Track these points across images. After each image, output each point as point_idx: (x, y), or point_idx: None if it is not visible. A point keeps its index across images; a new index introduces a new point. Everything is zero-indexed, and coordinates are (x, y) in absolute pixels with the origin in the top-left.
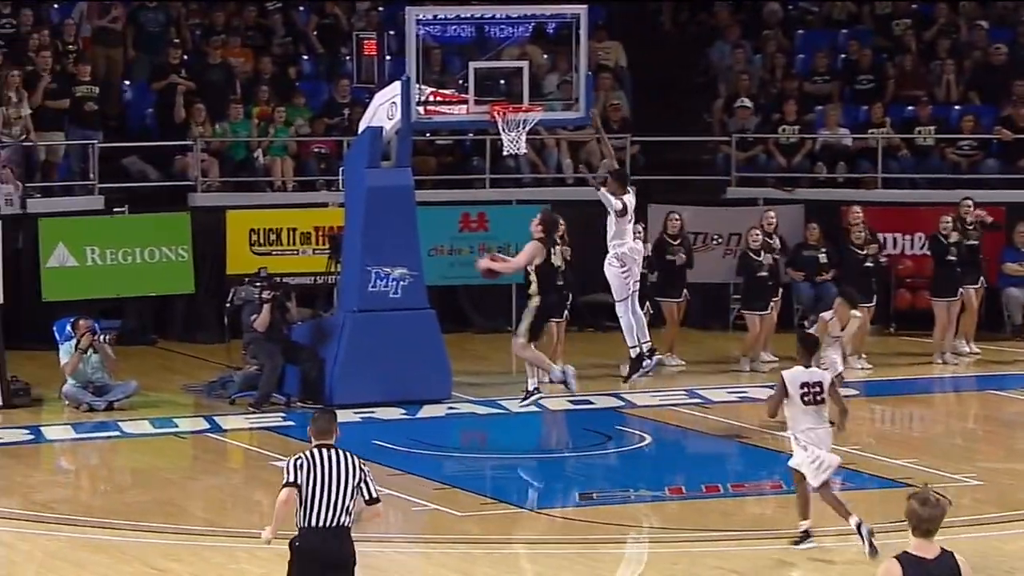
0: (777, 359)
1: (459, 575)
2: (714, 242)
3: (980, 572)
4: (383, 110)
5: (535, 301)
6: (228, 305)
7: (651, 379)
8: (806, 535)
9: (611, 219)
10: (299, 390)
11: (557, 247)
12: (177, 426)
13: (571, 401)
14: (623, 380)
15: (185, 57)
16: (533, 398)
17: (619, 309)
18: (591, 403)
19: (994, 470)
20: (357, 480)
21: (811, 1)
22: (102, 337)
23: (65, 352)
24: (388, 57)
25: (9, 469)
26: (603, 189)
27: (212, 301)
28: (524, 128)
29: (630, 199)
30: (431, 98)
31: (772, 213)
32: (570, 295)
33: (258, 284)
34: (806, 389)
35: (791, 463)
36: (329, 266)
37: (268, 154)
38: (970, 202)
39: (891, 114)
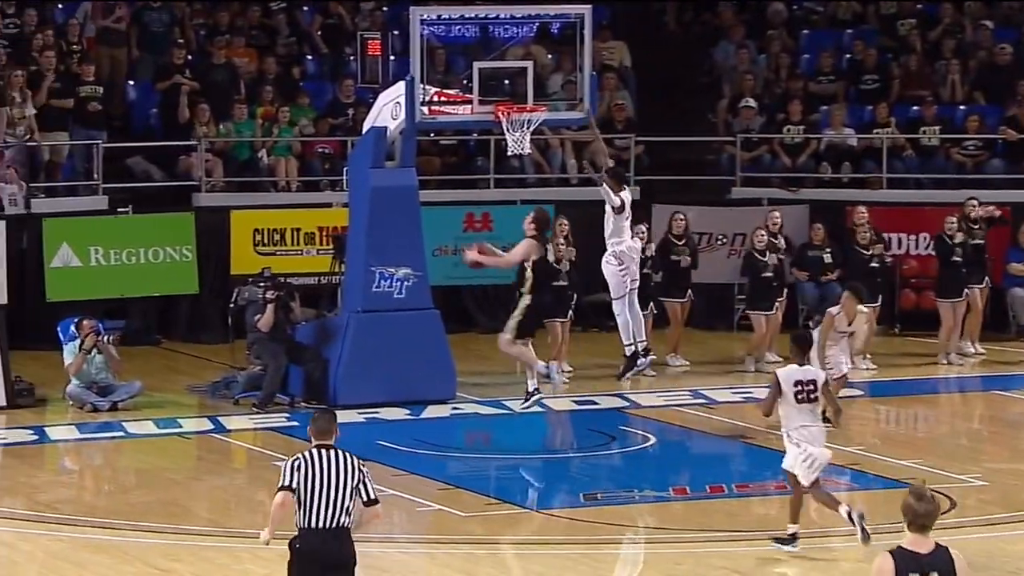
0: (782, 359)
1: (463, 575)
2: (718, 242)
3: (985, 572)
4: (387, 110)
5: (526, 299)
6: (232, 305)
7: (655, 379)
8: (793, 538)
9: (609, 217)
10: (303, 390)
11: (552, 245)
12: (181, 426)
13: (575, 401)
14: (616, 377)
15: (189, 57)
16: (534, 399)
17: (616, 307)
18: (595, 403)
19: (999, 471)
20: (356, 481)
21: (816, 1)
22: (106, 338)
23: (69, 352)
24: (392, 57)
25: (13, 469)
26: (605, 184)
27: (216, 301)
28: (528, 128)
29: (627, 196)
30: (435, 98)
31: (777, 213)
32: (574, 295)
33: (262, 284)
34: (800, 387)
35: (784, 464)
36: (333, 266)
37: (272, 154)
38: (975, 202)
39: (896, 114)
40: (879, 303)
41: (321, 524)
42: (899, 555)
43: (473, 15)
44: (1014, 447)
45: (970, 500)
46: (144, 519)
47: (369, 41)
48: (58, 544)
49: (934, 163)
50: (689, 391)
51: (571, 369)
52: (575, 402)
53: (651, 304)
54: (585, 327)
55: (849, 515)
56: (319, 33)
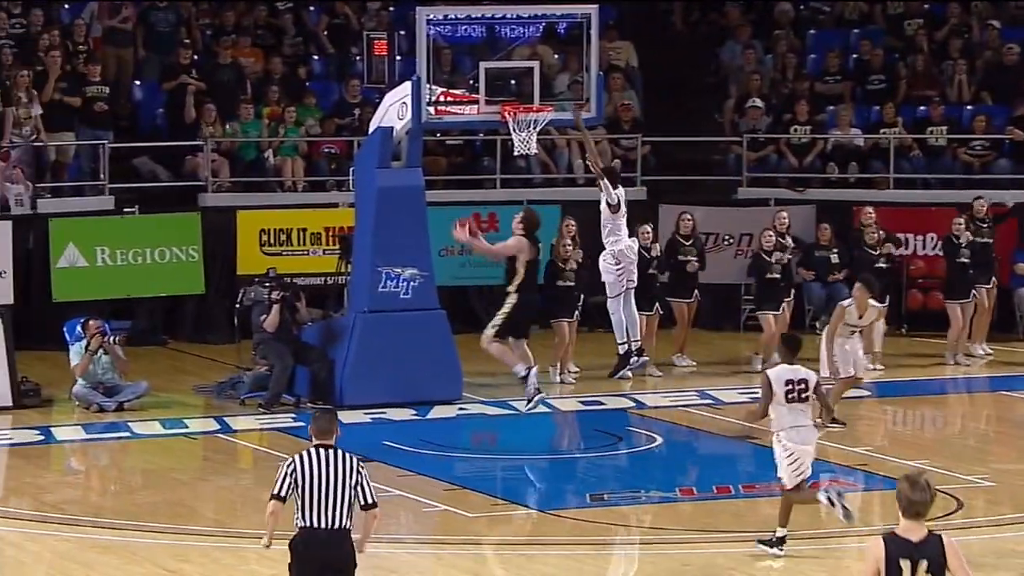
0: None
1: (469, 575)
2: (725, 243)
3: (993, 572)
4: (394, 110)
5: (513, 298)
6: (238, 306)
7: (662, 379)
8: (781, 541)
9: (605, 216)
10: (309, 391)
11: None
12: (187, 427)
13: (582, 402)
14: (608, 376)
15: (195, 57)
16: (537, 398)
17: (611, 305)
18: (602, 404)
19: (1007, 471)
20: (354, 481)
21: (823, 1)
22: (112, 338)
23: (75, 353)
24: (399, 57)
25: (19, 470)
26: (605, 180)
27: (222, 302)
28: (535, 128)
29: (622, 194)
30: (442, 98)
31: (784, 213)
32: (580, 296)
33: (267, 284)
34: (791, 386)
35: (779, 473)
36: (339, 267)
37: (278, 154)
38: (983, 201)
39: (903, 114)
40: (887, 303)
41: (320, 524)
42: (891, 540)
43: (479, 15)
44: (1021, 448)
45: (977, 501)
46: (150, 519)
47: (375, 41)
48: (65, 544)
49: (941, 163)
50: (696, 391)
51: (577, 370)
52: (581, 402)
53: (656, 304)
54: (591, 327)
55: (828, 499)
56: (325, 33)
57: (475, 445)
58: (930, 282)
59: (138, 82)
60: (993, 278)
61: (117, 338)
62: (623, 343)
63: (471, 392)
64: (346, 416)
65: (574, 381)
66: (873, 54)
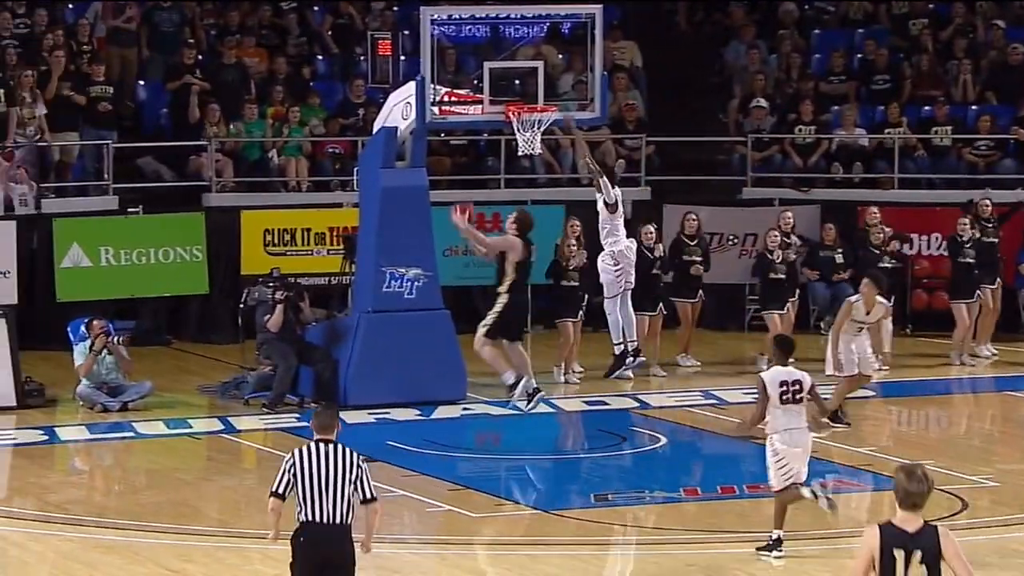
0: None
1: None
2: (730, 243)
3: (997, 572)
4: (398, 110)
5: (503, 299)
6: (242, 306)
7: (666, 379)
8: (778, 543)
9: (604, 216)
10: (313, 391)
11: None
12: (191, 427)
13: (586, 402)
14: (604, 376)
15: (199, 57)
16: (537, 397)
17: (607, 305)
18: (606, 404)
19: (1011, 471)
20: (354, 476)
21: (827, 1)
22: (116, 338)
23: (79, 353)
24: (403, 57)
25: (23, 470)
26: (604, 179)
27: (226, 302)
28: (539, 128)
29: (619, 195)
30: (446, 98)
31: (789, 213)
32: (585, 296)
33: (271, 285)
34: (785, 388)
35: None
36: (343, 266)
37: (282, 154)
38: (988, 200)
39: (908, 114)
40: (891, 303)
41: (321, 519)
42: (886, 529)
43: (484, 15)
44: None
45: (982, 501)
46: (154, 519)
47: (379, 41)
48: (69, 544)
49: (946, 163)
50: (700, 391)
51: (582, 370)
52: (586, 403)
53: (660, 304)
54: (596, 328)
55: (812, 492)
56: (329, 33)
57: (479, 445)
58: (935, 282)
59: (142, 82)
60: (998, 278)
61: (121, 338)
62: (619, 343)
63: (475, 392)
64: (350, 416)
65: (578, 381)
66: (878, 54)
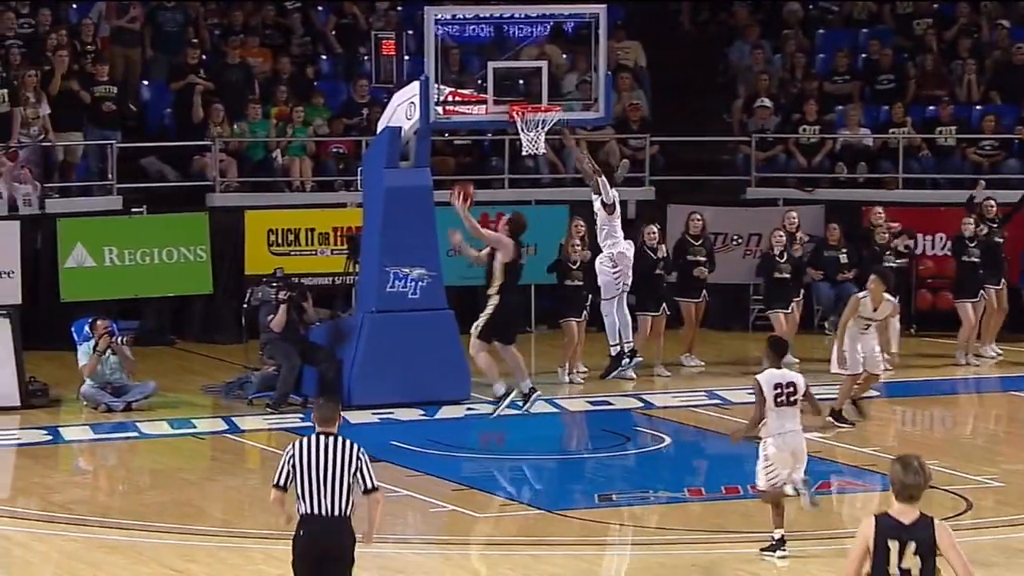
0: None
1: None
2: (734, 242)
3: (1002, 572)
4: (402, 110)
5: (494, 300)
6: (245, 306)
7: (670, 380)
8: (781, 542)
9: (602, 218)
10: (317, 391)
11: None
12: (195, 427)
13: (590, 402)
14: (600, 377)
15: (203, 57)
16: (534, 397)
17: (604, 307)
18: (610, 404)
19: (1016, 471)
20: (354, 468)
21: (831, 1)
22: (120, 339)
23: (83, 353)
24: (407, 57)
25: (27, 470)
26: (602, 178)
27: (230, 302)
28: (543, 128)
29: (616, 196)
30: (450, 98)
31: (794, 213)
32: (589, 295)
33: (274, 285)
34: (779, 390)
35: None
36: (347, 267)
37: (286, 154)
38: (992, 201)
39: (912, 114)
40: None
41: (320, 511)
42: (882, 520)
43: (488, 15)
44: None
45: (987, 501)
46: (158, 519)
47: (383, 41)
48: (72, 544)
49: (950, 163)
50: (704, 392)
51: (586, 370)
52: (590, 403)
53: (663, 305)
54: (600, 327)
55: (795, 489)
56: (333, 33)
57: (483, 445)
58: (939, 282)
59: (146, 82)
60: (1003, 279)
61: (125, 338)
62: (615, 345)
63: (479, 392)
64: (354, 416)
65: (583, 381)
66: (882, 54)
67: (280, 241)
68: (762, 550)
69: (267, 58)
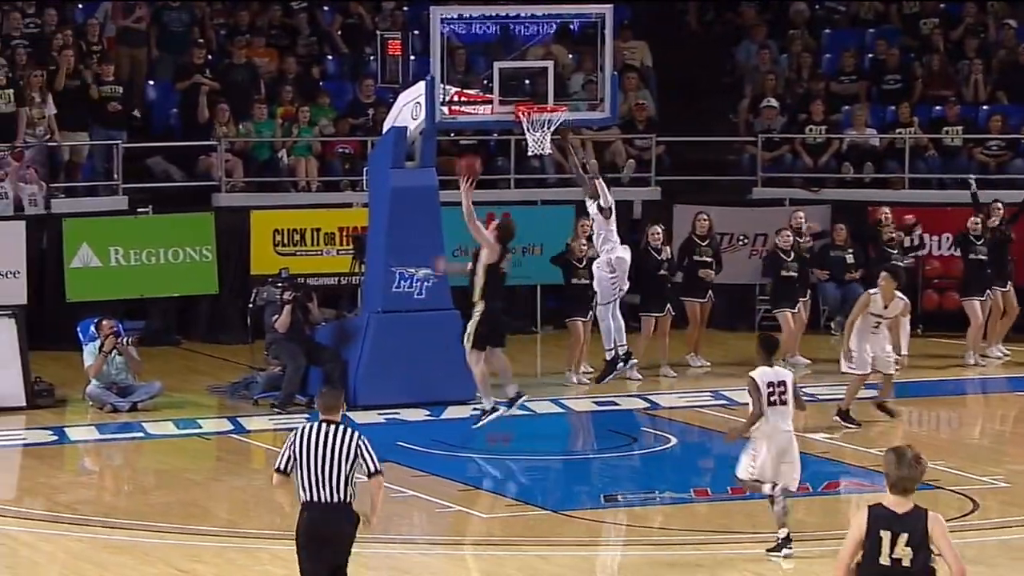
0: (809, 361)
1: None
2: (740, 243)
3: (1007, 572)
4: (407, 110)
5: (479, 307)
6: (251, 306)
7: (676, 380)
8: (787, 540)
9: (599, 223)
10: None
11: (574, 244)
12: (201, 427)
13: (596, 402)
14: (595, 381)
15: (209, 57)
16: (519, 402)
17: (600, 312)
18: (616, 404)
19: (1022, 472)
20: (354, 455)
21: (838, 0)
22: (125, 339)
23: (89, 353)
24: (412, 57)
25: (33, 470)
26: (600, 180)
27: (236, 302)
28: (549, 128)
29: (612, 200)
30: (456, 98)
31: (801, 213)
32: (594, 295)
33: (279, 285)
34: (772, 389)
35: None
36: (353, 267)
37: (292, 154)
38: (1000, 204)
39: (918, 114)
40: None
41: (320, 499)
42: (875, 510)
43: (493, 14)
44: None
45: (992, 502)
46: (164, 520)
47: (389, 41)
48: (78, 545)
49: (957, 163)
50: (710, 392)
51: (592, 370)
52: (596, 403)
53: (668, 305)
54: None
55: (772, 493)
56: (339, 33)
57: (489, 446)
58: (946, 282)
59: (152, 82)
60: (1009, 281)
61: (130, 339)
62: (610, 350)
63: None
64: (360, 417)
65: (588, 381)
66: (889, 54)
67: (286, 241)
68: (768, 551)
69: (273, 58)
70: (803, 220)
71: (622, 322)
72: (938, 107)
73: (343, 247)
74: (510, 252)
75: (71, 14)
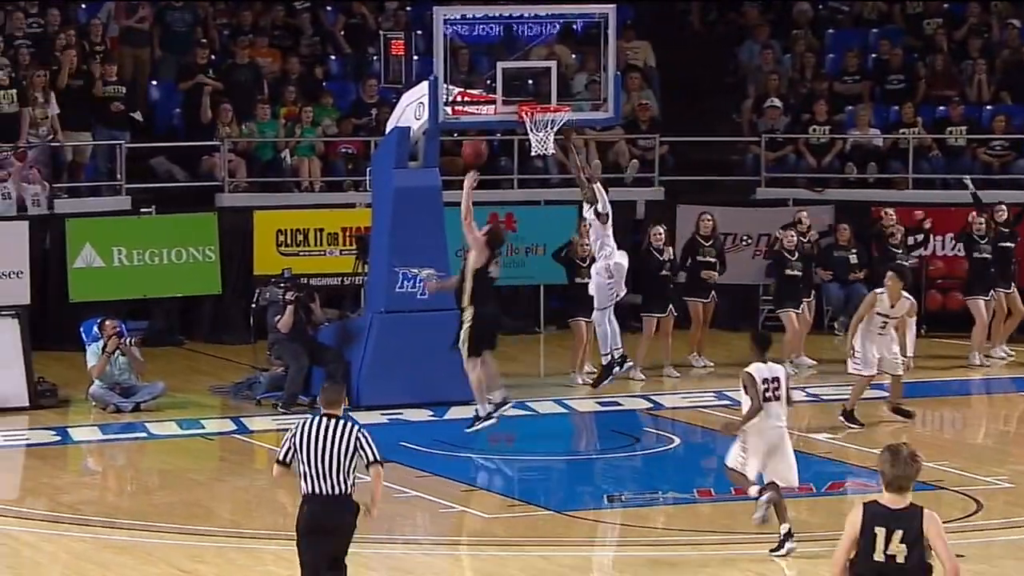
0: (815, 362)
1: None
2: (743, 243)
3: (1012, 573)
4: (411, 110)
5: (469, 313)
6: (254, 306)
7: (679, 380)
8: (788, 535)
9: (595, 228)
10: None
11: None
12: (204, 427)
13: (599, 403)
14: (592, 386)
15: (212, 57)
16: (505, 408)
17: (597, 317)
18: (619, 404)
19: None
20: (353, 448)
21: (841, 0)
22: (128, 340)
23: (92, 354)
24: (416, 57)
25: (36, 470)
26: (598, 185)
27: (239, 302)
28: (552, 128)
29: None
30: (459, 98)
31: (805, 213)
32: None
33: (282, 285)
34: (766, 384)
35: (760, 490)
36: (356, 267)
37: (295, 154)
38: (1003, 206)
39: (922, 114)
40: None
41: (321, 491)
42: (869, 507)
43: (497, 15)
44: None
45: (996, 502)
46: (167, 520)
47: (392, 41)
48: (81, 545)
49: (960, 163)
50: (713, 392)
51: (595, 370)
52: (599, 403)
53: (670, 306)
54: None
55: (756, 501)
56: (342, 33)
57: (492, 446)
58: (949, 282)
59: (155, 82)
60: (1013, 283)
61: (133, 339)
62: (607, 354)
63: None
64: (363, 417)
65: (591, 381)
66: (892, 54)
67: (289, 241)
68: (772, 551)
69: (276, 58)
70: (807, 222)
71: (616, 326)
72: (942, 107)
73: (346, 247)
74: (499, 257)
75: (74, 14)
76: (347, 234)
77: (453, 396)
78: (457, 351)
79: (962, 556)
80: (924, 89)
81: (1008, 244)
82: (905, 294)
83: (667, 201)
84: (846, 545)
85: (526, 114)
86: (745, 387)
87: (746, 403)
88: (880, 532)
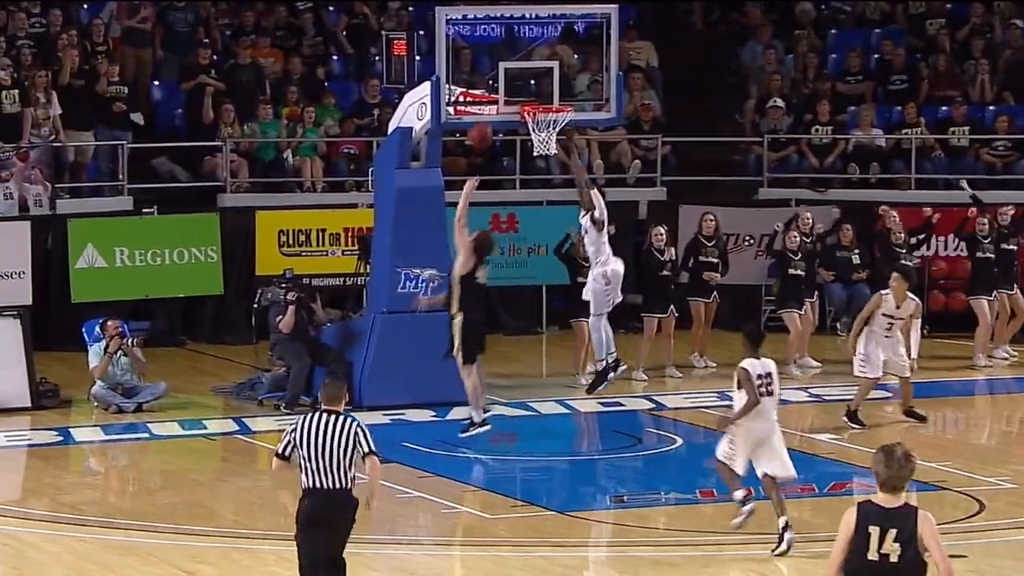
0: (820, 363)
1: None
2: (746, 243)
3: (1015, 574)
4: (413, 110)
5: (458, 319)
6: (256, 306)
7: (681, 380)
8: (785, 527)
9: (592, 235)
10: None
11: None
12: (206, 428)
13: (601, 403)
14: (586, 391)
15: (214, 57)
16: (483, 429)
17: (593, 322)
18: (621, 405)
19: None
20: (352, 443)
21: (844, 1)
22: (131, 340)
23: (94, 354)
24: (418, 57)
25: (38, 471)
26: (595, 191)
27: (241, 302)
28: (554, 128)
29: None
30: (461, 98)
31: (808, 213)
32: None
33: (283, 285)
34: (760, 380)
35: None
36: (358, 267)
37: (297, 155)
38: (1009, 207)
39: (925, 114)
40: None
41: (321, 486)
42: (864, 507)
43: (499, 15)
44: None
45: (998, 503)
46: (169, 520)
47: (395, 41)
48: (83, 545)
49: (963, 164)
50: (715, 393)
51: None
52: (601, 403)
53: (671, 307)
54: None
55: (741, 501)
56: (344, 33)
57: (494, 446)
58: (952, 283)
59: (157, 82)
60: (1015, 284)
61: (135, 340)
62: (601, 360)
63: (490, 393)
64: (365, 417)
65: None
66: (895, 54)
67: (291, 242)
68: (774, 552)
69: (278, 58)
70: (810, 222)
71: (611, 331)
72: (944, 107)
73: (348, 247)
74: (486, 264)
75: (76, 14)
76: (349, 234)
77: (455, 397)
78: (452, 359)
79: (964, 556)
80: (927, 89)
81: (1011, 246)
82: (910, 295)
83: (669, 201)
84: (841, 546)
85: (528, 114)
86: (740, 383)
87: (739, 399)
88: (874, 531)
